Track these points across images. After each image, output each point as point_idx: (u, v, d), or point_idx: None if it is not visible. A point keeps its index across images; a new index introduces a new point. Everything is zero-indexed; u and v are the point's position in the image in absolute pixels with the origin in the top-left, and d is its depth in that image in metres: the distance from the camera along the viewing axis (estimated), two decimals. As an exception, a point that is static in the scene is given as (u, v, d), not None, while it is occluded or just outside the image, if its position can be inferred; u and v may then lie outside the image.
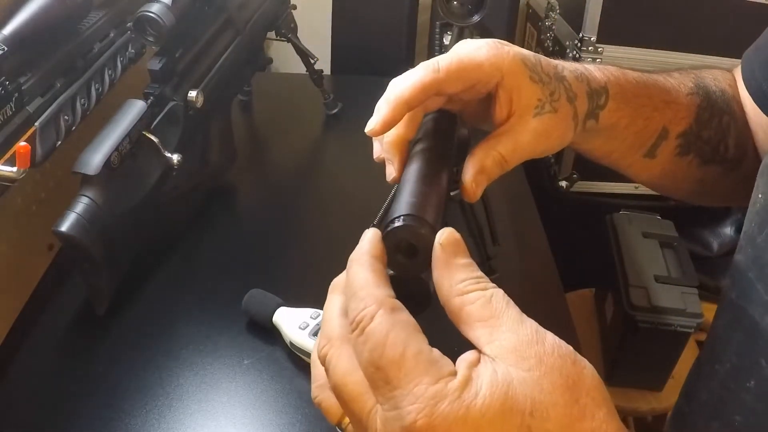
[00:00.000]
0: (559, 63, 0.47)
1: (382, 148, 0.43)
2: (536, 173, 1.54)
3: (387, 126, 0.40)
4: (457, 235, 0.33)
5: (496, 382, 0.28)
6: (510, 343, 0.29)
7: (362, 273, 0.31)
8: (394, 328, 0.29)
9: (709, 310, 0.89)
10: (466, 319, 0.30)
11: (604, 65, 0.50)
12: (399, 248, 0.33)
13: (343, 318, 0.32)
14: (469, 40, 0.44)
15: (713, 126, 0.54)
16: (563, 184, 1.52)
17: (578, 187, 1.53)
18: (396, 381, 0.28)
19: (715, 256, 1.57)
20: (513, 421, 0.27)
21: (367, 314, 0.30)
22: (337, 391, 0.31)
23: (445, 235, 0.32)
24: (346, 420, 0.32)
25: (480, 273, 0.32)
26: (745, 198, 0.48)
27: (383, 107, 0.40)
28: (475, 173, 0.41)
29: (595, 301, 1.41)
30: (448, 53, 0.42)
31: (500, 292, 0.31)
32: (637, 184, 1.52)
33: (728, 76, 0.58)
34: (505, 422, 0.27)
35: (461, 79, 0.42)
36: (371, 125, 0.40)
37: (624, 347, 1.18)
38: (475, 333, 0.30)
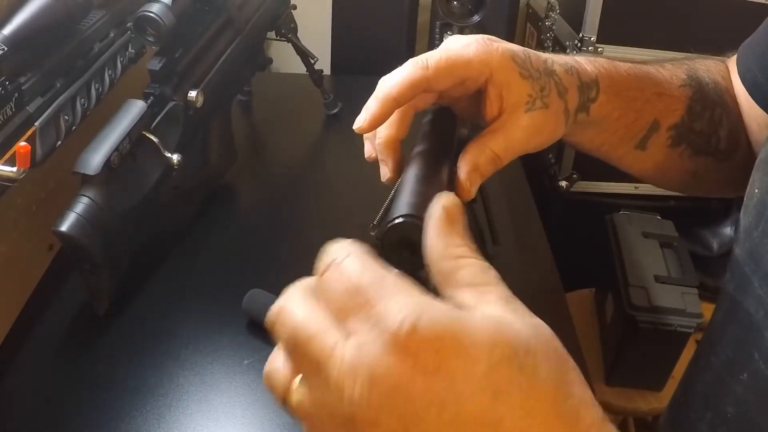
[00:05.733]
0: (549, 57, 0.46)
1: (374, 148, 0.44)
2: (536, 173, 1.54)
3: (375, 123, 0.40)
4: (460, 203, 0.31)
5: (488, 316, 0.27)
6: (495, 313, 0.28)
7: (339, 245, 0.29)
8: (370, 260, 0.28)
9: (709, 310, 0.88)
10: (454, 282, 0.29)
11: (595, 57, 0.50)
12: (398, 246, 0.33)
13: (302, 289, 0.30)
14: (458, 35, 0.44)
15: (705, 118, 0.54)
16: (563, 184, 1.52)
17: (578, 187, 1.53)
18: (378, 297, 0.26)
19: (715, 256, 1.57)
20: (506, 352, 0.25)
21: (340, 255, 0.28)
22: (296, 334, 0.28)
23: (451, 198, 0.31)
24: (293, 389, 0.29)
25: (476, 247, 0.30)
26: (737, 188, 0.48)
27: (371, 104, 0.40)
28: (469, 171, 0.41)
29: (595, 301, 1.41)
30: (437, 50, 0.42)
31: (495, 271, 0.30)
32: (637, 184, 1.52)
33: (721, 67, 0.58)
34: (496, 347, 0.25)
35: (450, 75, 0.41)
36: (359, 122, 0.40)
37: (624, 347, 1.18)
38: (462, 296, 0.29)
